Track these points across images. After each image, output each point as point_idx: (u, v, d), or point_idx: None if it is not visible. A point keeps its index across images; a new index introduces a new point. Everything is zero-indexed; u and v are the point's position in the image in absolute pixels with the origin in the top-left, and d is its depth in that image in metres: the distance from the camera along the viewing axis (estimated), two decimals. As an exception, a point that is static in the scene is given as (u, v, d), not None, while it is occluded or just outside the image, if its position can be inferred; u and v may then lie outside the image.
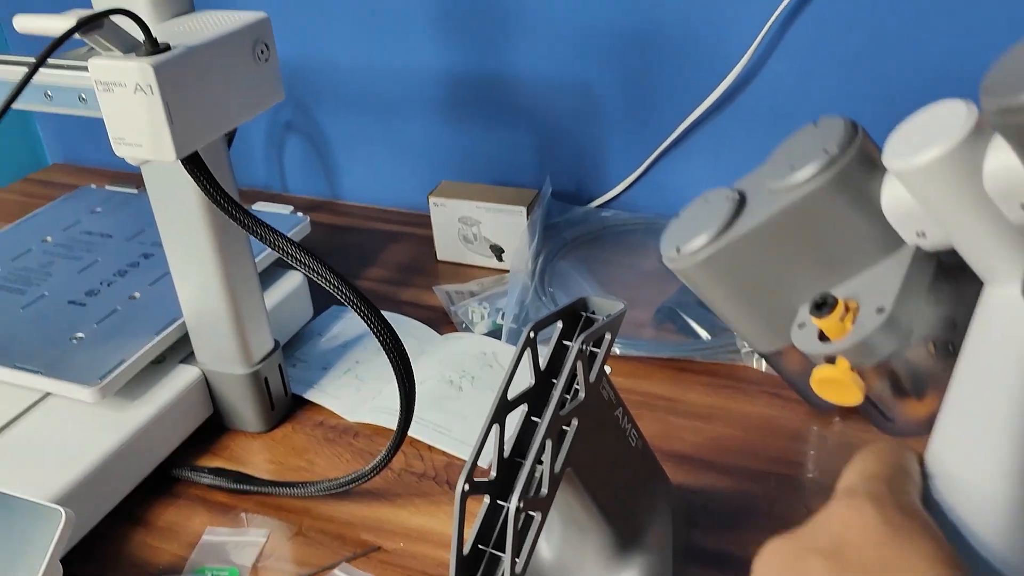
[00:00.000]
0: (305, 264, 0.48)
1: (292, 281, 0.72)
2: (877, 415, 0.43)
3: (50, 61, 0.42)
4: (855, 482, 0.33)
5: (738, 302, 0.45)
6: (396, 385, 0.51)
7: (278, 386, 0.64)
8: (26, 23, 0.42)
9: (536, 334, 0.41)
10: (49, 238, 0.76)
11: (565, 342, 0.43)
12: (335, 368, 0.70)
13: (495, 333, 0.73)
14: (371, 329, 0.48)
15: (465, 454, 0.61)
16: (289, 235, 0.70)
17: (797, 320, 0.39)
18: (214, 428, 0.64)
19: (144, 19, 0.43)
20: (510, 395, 0.40)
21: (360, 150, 0.97)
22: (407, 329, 0.74)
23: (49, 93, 0.54)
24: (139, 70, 0.43)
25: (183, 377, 0.62)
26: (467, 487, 0.36)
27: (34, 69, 0.39)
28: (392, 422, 0.63)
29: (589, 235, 0.83)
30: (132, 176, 1.05)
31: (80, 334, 0.62)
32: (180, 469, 0.60)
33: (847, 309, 0.37)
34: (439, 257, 0.85)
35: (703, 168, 0.82)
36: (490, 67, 0.86)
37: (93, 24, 0.41)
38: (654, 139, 0.82)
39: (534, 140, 0.88)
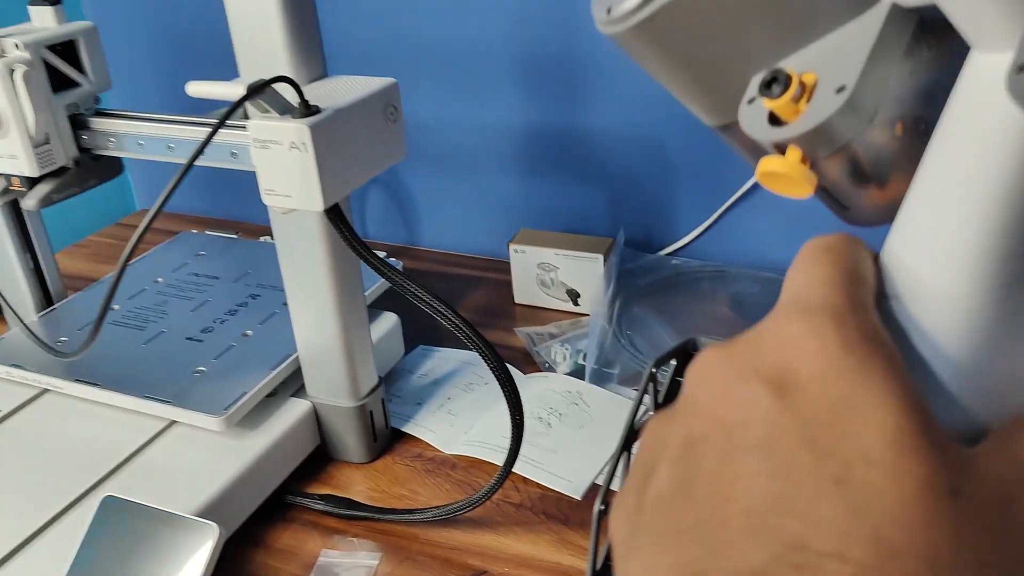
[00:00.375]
0: (431, 306, 0.52)
1: (388, 322, 0.77)
2: (832, 203, 0.36)
3: (203, 119, 0.48)
4: (808, 291, 0.26)
5: (681, 72, 0.38)
6: (488, 420, 0.55)
7: (380, 419, 0.69)
8: (198, 88, 0.48)
9: (657, 369, 0.45)
10: (160, 279, 0.81)
11: (677, 378, 0.47)
12: (429, 404, 0.74)
13: (577, 373, 0.77)
14: (489, 367, 0.53)
15: (557, 486, 0.65)
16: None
17: (747, 95, 0.33)
18: (320, 458, 0.69)
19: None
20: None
21: (439, 200, 1.02)
22: (493, 368, 0.78)
23: (171, 145, 0.59)
24: (296, 130, 0.48)
25: (296, 409, 0.66)
26: (603, 507, 0.40)
27: (215, 130, 0.45)
28: (487, 455, 0.67)
29: (662, 282, 0.87)
30: (212, 221, 1.12)
31: (201, 368, 0.67)
32: (294, 495, 0.64)
33: (802, 87, 0.30)
34: (516, 300, 0.89)
35: (770, 218, 0.87)
36: (567, 123, 0.91)
37: (260, 90, 0.47)
38: (723, 192, 0.87)
39: (607, 191, 0.93)
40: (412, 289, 0.52)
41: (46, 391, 0.69)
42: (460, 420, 0.72)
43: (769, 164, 0.30)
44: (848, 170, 0.31)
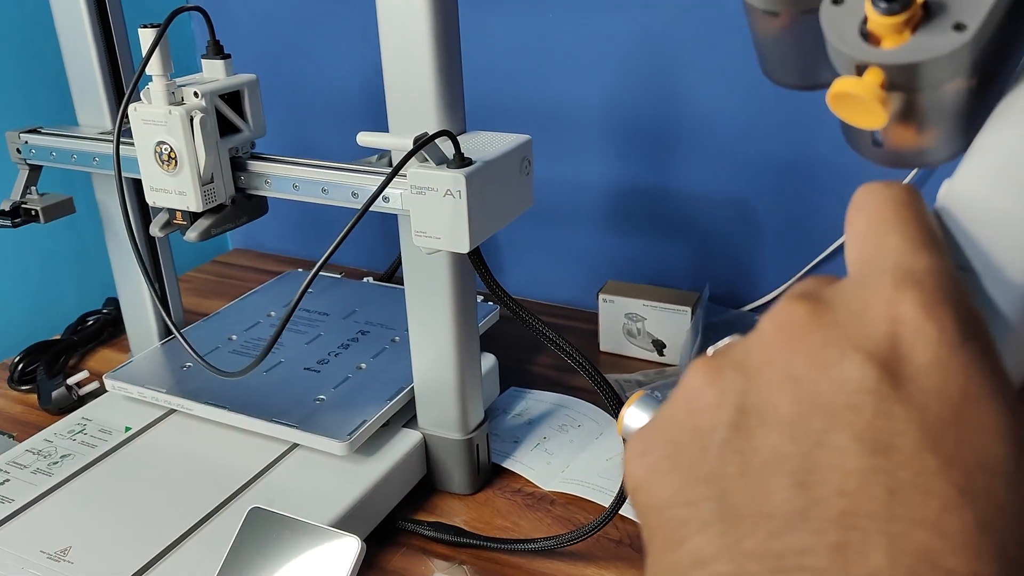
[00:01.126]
0: (557, 344, 0.56)
1: (487, 361, 0.81)
2: (865, 137, 0.33)
3: (342, 165, 0.53)
4: (906, 257, 0.23)
5: None
6: (584, 460, 0.59)
7: (484, 453, 0.72)
8: (368, 139, 0.53)
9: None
10: (272, 313, 0.87)
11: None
12: (525, 442, 0.78)
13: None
14: (611, 409, 0.57)
15: (655, 525, 0.67)
16: (483, 321, 0.80)
17: None
18: (424, 487, 0.72)
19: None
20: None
21: (526, 250, 1.07)
22: (585, 412, 0.82)
23: (325, 189, 0.65)
24: (453, 179, 0.53)
25: (408, 439, 0.70)
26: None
27: (388, 179, 0.50)
28: (585, 492, 0.71)
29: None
30: (300, 262, 1.18)
31: (321, 396, 0.71)
32: (404, 521, 0.68)
33: (923, 11, 0.26)
34: (601, 348, 0.93)
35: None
36: (656, 181, 0.96)
37: (427, 143, 0.52)
38: (808, 252, 0.91)
39: (692, 247, 0.97)
40: (544, 331, 0.57)
41: (172, 411, 0.74)
42: (556, 459, 0.75)
43: (846, 85, 0.26)
44: (904, 107, 0.28)
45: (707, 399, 0.23)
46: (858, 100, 0.27)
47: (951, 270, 0.23)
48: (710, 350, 0.27)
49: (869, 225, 0.24)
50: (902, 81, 0.27)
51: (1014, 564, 0.19)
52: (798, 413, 0.21)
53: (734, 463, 0.22)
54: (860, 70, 0.27)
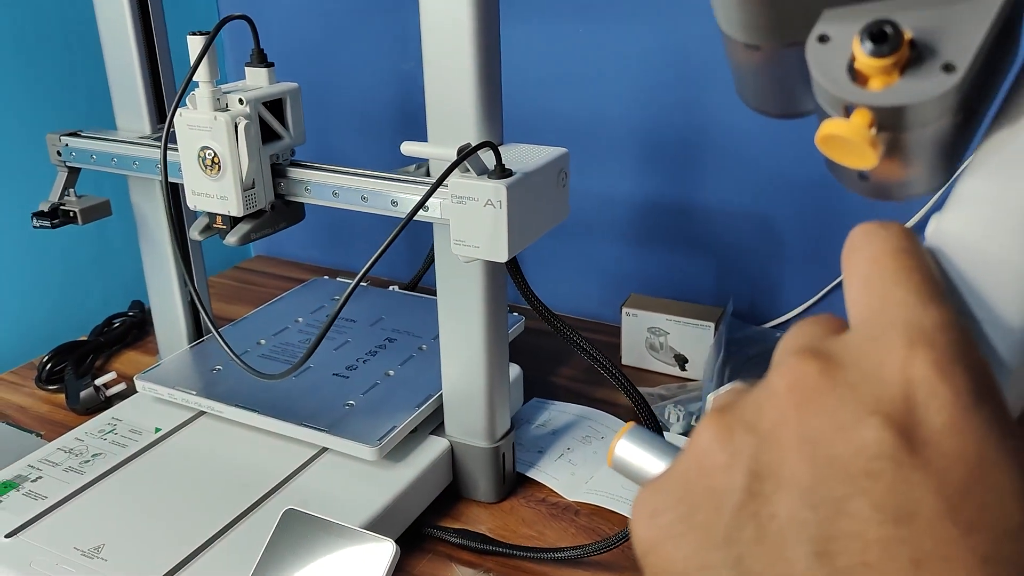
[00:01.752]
0: (593, 357, 0.57)
1: (512, 372, 0.81)
2: (852, 173, 0.32)
3: (382, 174, 0.54)
4: (915, 313, 0.22)
5: None
6: (609, 471, 0.59)
7: (509, 462, 0.73)
8: (412, 148, 0.54)
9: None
10: (300, 319, 0.88)
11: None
12: (549, 452, 0.78)
13: (689, 433, 0.80)
14: (643, 420, 0.57)
15: (679, 538, 0.68)
16: (508, 331, 0.80)
17: (818, 29, 0.27)
18: (450, 494, 0.73)
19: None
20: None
21: (549, 262, 1.08)
22: (607, 424, 0.82)
23: (365, 197, 0.66)
24: (494, 189, 0.54)
25: (435, 447, 0.71)
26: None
27: (434, 187, 0.51)
28: (609, 503, 0.71)
29: (766, 353, 0.91)
30: (326, 269, 1.19)
31: (351, 401, 0.72)
32: (431, 527, 0.69)
33: (912, 50, 0.25)
34: (623, 362, 0.94)
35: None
36: (681, 195, 0.97)
37: (470, 153, 0.53)
38: (830, 271, 0.91)
39: (715, 263, 0.98)
40: (577, 340, 0.57)
41: (202, 413, 0.75)
42: (580, 469, 0.76)
43: (835, 127, 0.26)
44: (890, 142, 0.27)
45: (719, 460, 0.23)
46: (848, 142, 0.26)
47: (960, 325, 0.22)
48: (711, 397, 0.27)
49: (871, 273, 0.24)
50: (891, 122, 0.26)
51: None
52: (815, 478, 0.21)
53: (750, 528, 0.21)
54: (848, 110, 0.27)
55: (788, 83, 0.31)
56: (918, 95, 0.25)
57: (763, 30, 0.30)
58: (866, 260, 0.24)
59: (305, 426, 0.69)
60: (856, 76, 0.26)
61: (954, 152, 0.28)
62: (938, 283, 0.24)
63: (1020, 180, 0.25)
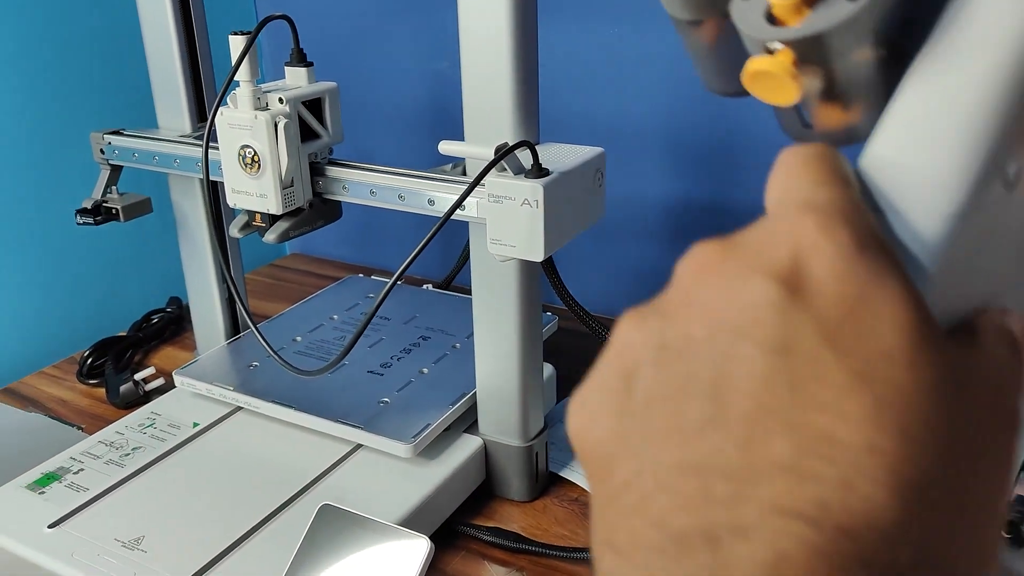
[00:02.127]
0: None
1: (546, 371, 0.81)
2: (795, 120, 0.35)
3: (420, 173, 0.55)
4: (806, 192, 0.25)
5: None
6: None
7: (543, 461, 0.73)
8: (450, 147, 0.55)
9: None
10: (335, 316, 0.88)
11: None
12: (582, 452, 0.78)
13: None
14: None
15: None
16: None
17: None
18: (482, 493, 0.73)
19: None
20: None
21: (579, 263, 1.08)
22: (640, 424, 0.82)
23: (402, 195, 0.66)
24: (531, 188, 0.54)
25: (469, 445, 0.71)
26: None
27: (472, 186, 0.51)
28: (642, 504, 0.71)
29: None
30: (357, 267, 1.20)
31: (386, 399, 0.73)
32: (464, 526, 0.69)
33: None
34: (656, 363, 0.94)
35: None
36: (714, 198, 0.96)
37: (508, 152, 0.53)
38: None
39: (749, 265, 0.97)
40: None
41: (238, 409, 0.76)
42: (613, 470, 0.76)
43: (760, 63, 0.29)
44: (823, 85, 0.30)
45: (633, 342, 0.25)
46: (771, 76, 0.29)
47: (854, 200, 0.24)
48: None
49: (775, 179, 0.26)
50: (809, 55, 0.28)
51: (916, 441, 0.20)
52: (708, 335, 0.23)
53: (656, 393, 0.23)
54: (770, 52, 0.29)
55: (737, 57, 0.33)
56: (825, 22, 0.28)
57: (698, 1, 0.34)
58: (779, 166, 0.27)
59: (340, 423, 0.69)
60: (774, 21, 0.29)
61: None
62: (843, 173, 0.25)
63: (925, 92, 0.27)
